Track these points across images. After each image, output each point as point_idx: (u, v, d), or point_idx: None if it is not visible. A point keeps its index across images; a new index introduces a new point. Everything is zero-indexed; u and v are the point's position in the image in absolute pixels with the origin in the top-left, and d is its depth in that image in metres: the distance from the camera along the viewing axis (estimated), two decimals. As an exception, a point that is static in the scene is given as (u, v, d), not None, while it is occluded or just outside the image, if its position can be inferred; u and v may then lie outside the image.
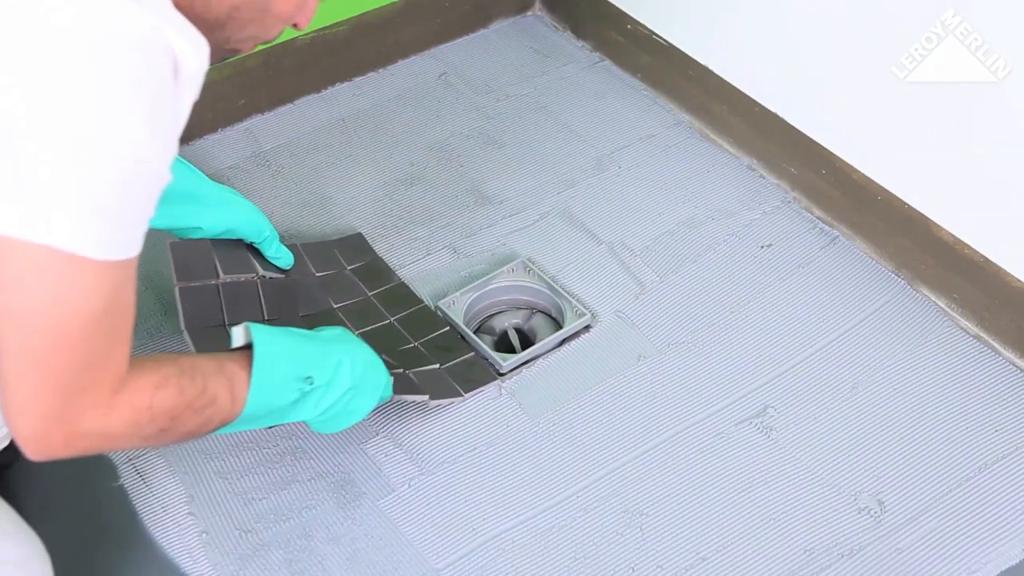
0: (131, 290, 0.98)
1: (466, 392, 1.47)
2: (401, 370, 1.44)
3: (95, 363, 0.96)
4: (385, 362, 1.36)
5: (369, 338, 1.51)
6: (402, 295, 1.59)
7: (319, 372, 1.21)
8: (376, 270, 1.62)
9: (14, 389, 0.95)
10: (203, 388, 1.08)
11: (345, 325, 1.52)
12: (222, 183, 1.56)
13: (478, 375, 1.49)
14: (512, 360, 1.50)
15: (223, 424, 1.13)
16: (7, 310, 0.93)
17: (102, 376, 0.97)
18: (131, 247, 0.95)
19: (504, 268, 1.60)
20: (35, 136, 0.88)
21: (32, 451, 0.98)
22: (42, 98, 0.88)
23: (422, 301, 1.58)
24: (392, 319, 1.55)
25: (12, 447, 1.35)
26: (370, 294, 1.58)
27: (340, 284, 1.58)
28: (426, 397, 1.41)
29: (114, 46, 0.89)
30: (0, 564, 1.11)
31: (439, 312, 1.57)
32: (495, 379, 1.49)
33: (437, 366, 1.48)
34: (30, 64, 0.88)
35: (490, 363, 1.50)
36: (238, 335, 1.18)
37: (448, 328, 1.54)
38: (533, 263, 1.62)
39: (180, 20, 0.94)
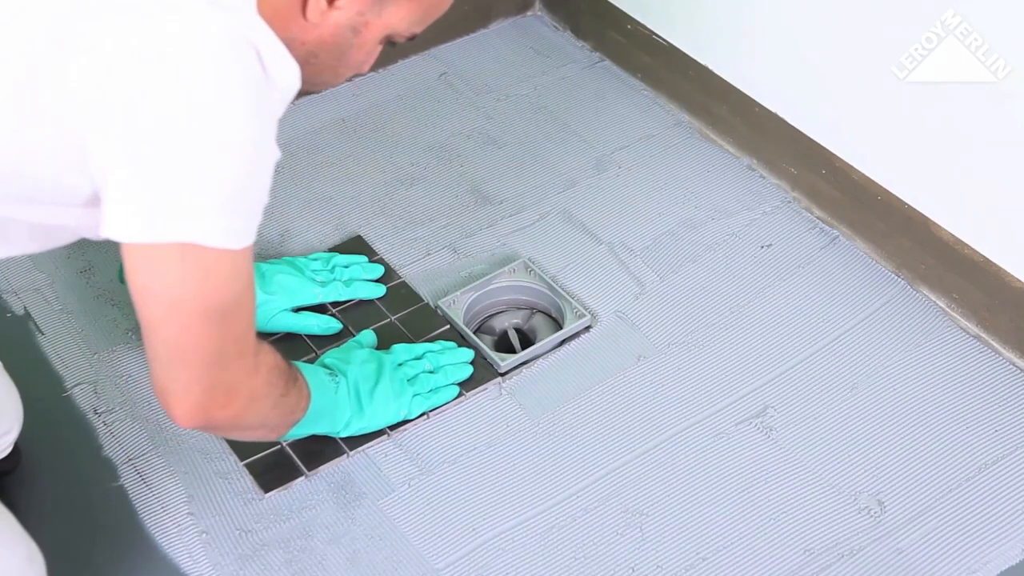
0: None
1: (466, 391, 1.47)
2: None
3: (242, 334, 1.07)
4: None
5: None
6: (402, 294, 1.59)
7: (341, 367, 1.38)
8: (376, 270, 1.63)
9: (175, 373, 1.06)
10: (289, 365, 1.23)
11: (345, 324, 1.54)
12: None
13: (478, 375, 1.49)
14: (512, 360, 1.50)
15: (301, 411, 1.26)
16: (159, 307, 1.01)
17: (247, 343, 1.09)
18: (254, 233, 1.02)
19: (505, 268, 1.60)
20: (157, 144, 0.94)
21: (192, 421, 1.08)
22: (153, 107, 0.94)
23: (423, 300, 1.58)
24: (393, 318, 1.55)
25: (13, 454, 1.36)
26: (370, 293, 1.59)
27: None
28: (425, 415, 1.44)
29: (212, 49, 0.95)
30: None
31: (439, 311, 1.57)
32: (495, 379, 1.49)
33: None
34: (144, 74, 0.94)
35: (490, 363, 1.50)
36: None
37: (448, 327, 1.54)
38: (533, 263, 1.62)
39: (272, 38, 0.99)
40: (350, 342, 1.48)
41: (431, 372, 1.45)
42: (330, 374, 1.34)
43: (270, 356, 1.16)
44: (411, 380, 1.43)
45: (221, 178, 0.96)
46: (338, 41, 1.05)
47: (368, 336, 1.50)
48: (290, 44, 1.02)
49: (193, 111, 0.94)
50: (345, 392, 1.35)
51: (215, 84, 0.95)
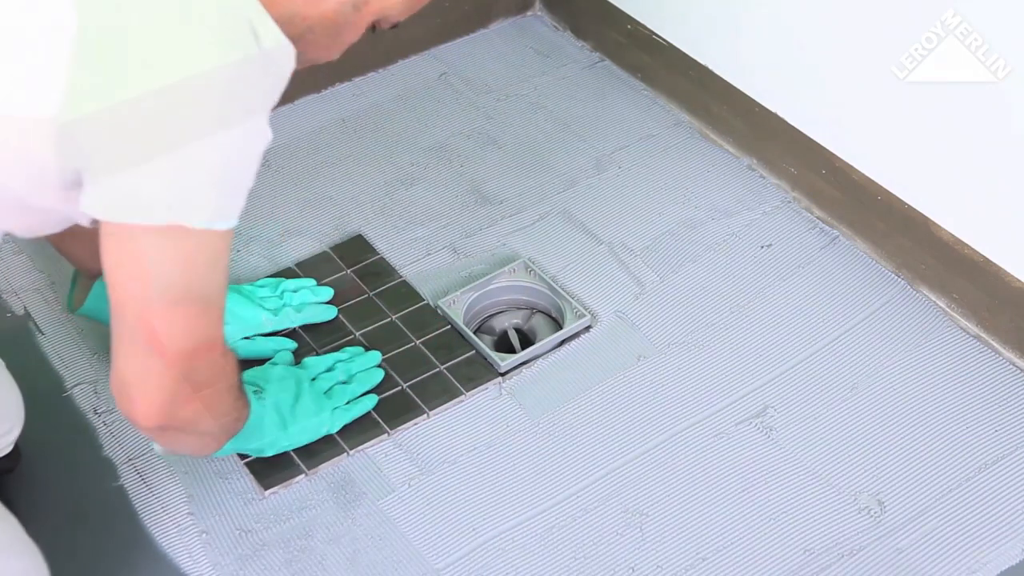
0: None
1: (467, 391, 1.47)
2: (400, 387, 1.47)
3: (218, 322, 1.05)
4: (384, 380, 1.46)
5: (370, 336, 1.53)
6: (403, 293, 1.59)
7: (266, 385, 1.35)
8: (377, 269, 1.62)
9: (148, 364, 1.01)
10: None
11: (346, 324, 1.54)
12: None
13: (478, 374, 1.49)
14: (512, 360, 1.50)
15: (243, 420, 1.24)
16: (141, 295, 0.98)
17: (220, 332, 1.06)
18: (237, 215, 1.00)
19: (505, 268, 1.60)
20: (141, 122, 0.93)
21: (156, 417, 1.04)
22: (137, 84, 0.93)
23: (423, 299, 1.58)
24: (393, 317, 1.55)
25: (13, 453, 1.36)
26: (371, 293, 1.59)
27: (342, 284, 1.59)
28: (425, 415, 1.44)
29: (206, 26, 0.94)
30: None
31: (439, 311, 1.57)
32: (495, 378, 1.49)
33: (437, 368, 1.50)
34: (131, 51, 0.93)
35: (490, 363, 1.50)
36: None
37: (448, 327, 1.54)
38: (533, 263, 1.62)
39: (270, 22, 0.98)
40: (267, 363, 1.44)
41: (344, 383, 1.43)
42: (254, 390, 1.32)
43: (231, 352, 1.14)
44: (327, 393, 1.40)
45: (207, 159, 0.95)
46: (338, 18, 1.05)
47: (285, 356, 1.47)
48: (291, 19, 1.01)
49: (180, 89, 0.93)
50: (268, 410, 1.33)
51: (204, 63, 0.94)
